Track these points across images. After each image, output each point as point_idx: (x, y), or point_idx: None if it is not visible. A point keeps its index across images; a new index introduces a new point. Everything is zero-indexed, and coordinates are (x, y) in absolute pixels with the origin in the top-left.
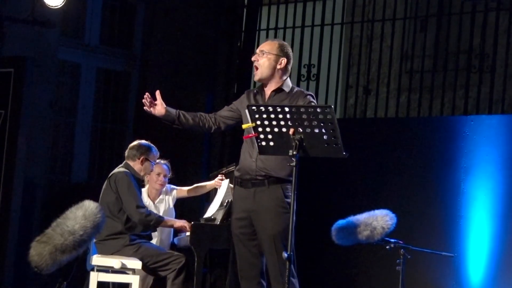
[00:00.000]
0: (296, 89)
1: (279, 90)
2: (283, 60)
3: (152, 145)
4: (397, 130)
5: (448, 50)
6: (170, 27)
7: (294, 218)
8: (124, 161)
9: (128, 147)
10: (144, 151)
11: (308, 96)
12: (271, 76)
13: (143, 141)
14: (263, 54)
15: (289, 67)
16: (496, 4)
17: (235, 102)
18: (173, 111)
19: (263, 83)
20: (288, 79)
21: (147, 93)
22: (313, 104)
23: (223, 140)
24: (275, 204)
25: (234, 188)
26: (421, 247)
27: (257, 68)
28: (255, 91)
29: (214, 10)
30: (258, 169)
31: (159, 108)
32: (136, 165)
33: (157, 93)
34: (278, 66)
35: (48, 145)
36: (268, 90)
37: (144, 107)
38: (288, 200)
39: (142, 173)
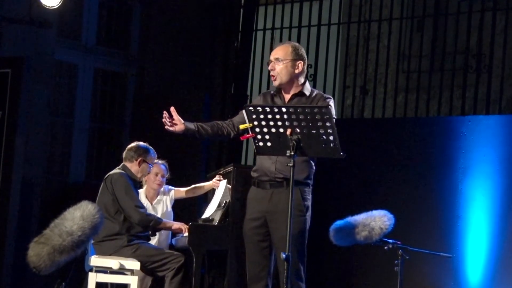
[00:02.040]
0: (315, 92)
1: (299, 94)
2: (300, 64)
3: (150, 147)
4: (395, 130)
5: (445, 50)
6: (167, 28)
7: (310, 220)
8: (122, 163)
9: (126, 149)
10: (141, 153)
11: (328, 99)
12: (290, 82)
13: (141, 143)
14: (279, 61)
15: (305, 68)
16: (492, 4)
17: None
18: (191, 125)
19: (282, 88)
20: (307, 81)
21: (165, 113)
22: (331, 107)
23: (221, 142)
24: (292, 207)
25: (250, 188)
26: (419, 248)
27: (274, 76)
28: (272, 92)
29: (210, 10)
30: (277, 171)
31: (179, 125)
32: (133, 166)
33: (172, 109)
34: (296, 71)
35: (46, 145)
36: (288, 94)
37: (166, 127)
38: (306, 203)
39: (139, 175)
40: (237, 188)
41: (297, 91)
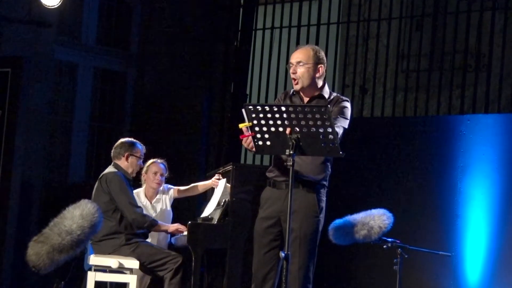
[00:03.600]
0: (334, 95)
1: (319, 96)
2: (321, 67)
3: (135, 140)
4: (394, 130)
5: (444, 50)
6: (167, 27)
7: (323, 222)
8: (113, 162)
9: (113, 148)
10: (127, 148)
11: (344, 102)
12: (311, 85)
13: (126, 139)
14: (301, 64)
15: (325, 71)
16: (491, 3)
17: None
18: None
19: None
20: (326, 84)
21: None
22: (346, 110)
23: (220, 140)
24: (307, 207)
25: (265, 188)
26: (418, 247)
27: (295, 80)
28: (292, 93)
29: (210, 10)
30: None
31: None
32: (123, 163)
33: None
34: (317, 74)
35: (45, 144)
36: (307, 96)
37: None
38: (321, 204)
39: (130, 170)
40: (236, 187)
41: (316, 93)
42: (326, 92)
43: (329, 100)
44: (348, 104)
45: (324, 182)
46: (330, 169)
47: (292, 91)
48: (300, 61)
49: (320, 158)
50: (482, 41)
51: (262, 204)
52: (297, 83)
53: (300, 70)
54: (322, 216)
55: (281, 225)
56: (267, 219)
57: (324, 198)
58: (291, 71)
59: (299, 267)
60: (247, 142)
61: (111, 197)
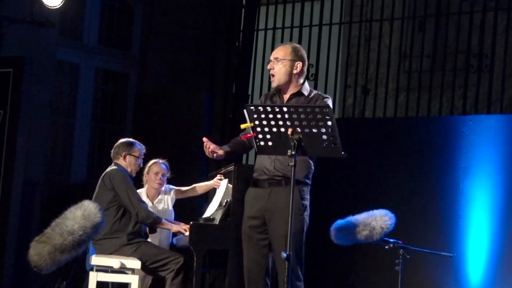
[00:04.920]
0: (314, 92)
1: (298, 93)
2: (299, 64)
3: (134, 140)
4: (396, 130)
5: (447, 50)
6: (169, 27)
7: (308, 220)
8: (113, 162)
9: (112, 148)
10: (125, 148)
11: (326, 99)
12: (288, 82)
13: (125, 139)
14: (278, 61)
15: (305, 69)
16: (494, 4)
17: None
18: (227, 148)
19: (281, 88)
20: (306, 82)
21: (207, 146)
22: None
23: (222, 140)
24: (292, 205)
25: (249, 188)
26: (420, 247)
27: (273, 76)
28: (272, 93)
29: (212, 10)
30: (276, 170)
31: (219, 152)
32: (122, 162)
33: (205, 140)
34: (295, 71)
35: (47, 145)
36: (287, 94)
37: (210, 157)
38: (304, 202)
39: (129, 169)
40: (238, 188)
41: (295, 91)
42: (306, 89)
43: (309, 97)
44: (330, 102)
45: (307, 180)
46: (313, 168)
47: (272, 91)
48: (277, 57)
49: (302, 157)
50: (485, 42)
51: (246, 204)
52: (273, 80)
53: (277, 67)
54: (306, 214)
55: (267, 224)
56: (253, 218)
57: (307, 196)
58: (268, 67)
59: (282, 264)
60: (207, 151)
61: (115, 193)
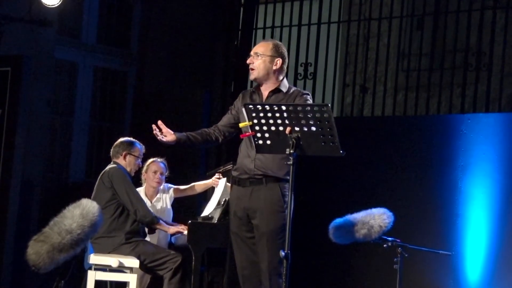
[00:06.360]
0: (293, 89)
1: (276, 90)
2: (278, 61)
3: (134, 140)
4: (394, 129)
5: (445, 49)
6: (167, 26)
7: (291, 217)
8: (112, 161)
9: (112, 147)
10: (125, 147)
11: (305, 96)
12: (266, 77)
13: (125, 138)
14: (258, 56)
15: (285, 67)
16: (492, 2)
17: (232, 107)
18: (182, 135)
19: (259, 83)
20: (285, 79)
21: (154, 126)
22: (309, 103)
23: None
24: (272, 203)
25: (232, 187)
26: (418, 246)
27: (252, 69)
28: (251, 90)
29: (211, 9)
30: (256, 168)
31: (169, 136)
32: (121, 162)
33: (160, 123)
34: (274, 67)
35: (46, 143)
36: (265, 91)
37: (158, 138)
38: (286, 199)
39: (128, 169)
40: None
41: (274, 87)
42: (284, 86)
43: (287, 94)
44: (310, 98)
45: (288, 177)
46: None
47: (251, 89)
48: (257, 52)
49: (281, 154)
50: (483, 40)
51: (231, 203)
52: (252, 73)
53: (257, 62)
54: (287, 211)
55: (251, 221)
56: (238, 217)
57: (288, 193)
58: (248, 61)
59: (269, 262)
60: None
61: (113, 191)
